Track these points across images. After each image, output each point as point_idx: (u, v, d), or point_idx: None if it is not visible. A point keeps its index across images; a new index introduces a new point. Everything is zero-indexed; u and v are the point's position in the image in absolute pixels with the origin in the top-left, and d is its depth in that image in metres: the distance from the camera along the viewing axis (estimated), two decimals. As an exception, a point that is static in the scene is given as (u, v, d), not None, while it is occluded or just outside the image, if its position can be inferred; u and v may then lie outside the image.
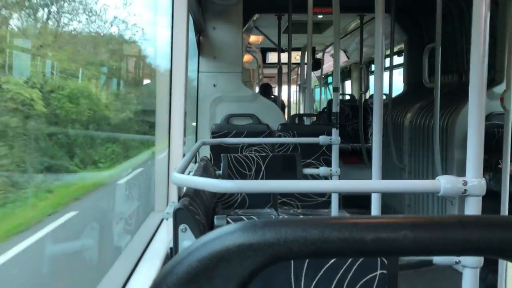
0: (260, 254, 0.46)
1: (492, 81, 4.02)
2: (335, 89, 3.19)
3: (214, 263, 0.46)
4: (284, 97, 9.80)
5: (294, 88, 11.67)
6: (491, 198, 2.70)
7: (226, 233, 0.47)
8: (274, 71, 7.45)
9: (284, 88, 6.76)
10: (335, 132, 3.13)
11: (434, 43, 3.82)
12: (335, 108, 3.14)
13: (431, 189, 1.58)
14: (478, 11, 1.49)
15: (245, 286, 0.46)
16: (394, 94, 6.00)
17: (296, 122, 5.13)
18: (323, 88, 12.31)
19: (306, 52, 5.07)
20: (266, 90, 9.09)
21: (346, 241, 0.47)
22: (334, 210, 3.16)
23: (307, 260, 1.58)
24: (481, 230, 0.47)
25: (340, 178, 3.26)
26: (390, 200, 5.41)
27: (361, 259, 1.60)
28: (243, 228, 0.47)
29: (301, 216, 1.67)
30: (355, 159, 6.39)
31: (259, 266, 0.46)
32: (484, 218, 0.49)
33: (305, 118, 5.46)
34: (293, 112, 10.23)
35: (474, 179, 1.54)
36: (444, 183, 1.53)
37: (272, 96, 9.13)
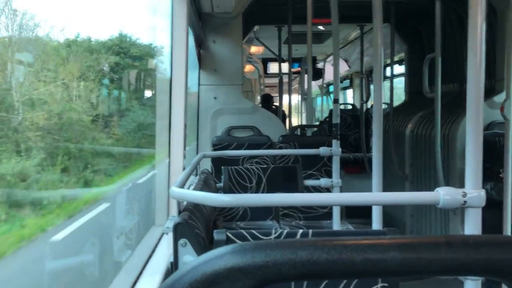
0: (250, 277, 0.46)
1: (492, 90, 4.02)
2: (335, 101, 3.20)
3: (205, 287, 0.46)
4: (286, 106, 9.86)
5: (295, 97, 11.68)
6: (493, 208, 2.68)
7: (217, 257, 0.47)
8: (275, 80, 7.47)
9: (286, 97, 6.84)
10: (335, 143, 3.13)
11: (434, 53, 3.82)
12: (336, 119, 3.14)
13: (430, 201, 1.58)
14: (474, 21, 1.49)
15: None
16: (397, 103, 6.01)
17: (298, 133, 5.14)
18: (324, 97, 12.34)
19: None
20: (267, 101, 9.11)
21: (335, 263, 0.47)
22: (335, 222, 3.15)
23: None
24: (468, 251, 0.47)
25: (342, 188, 3.25)
26: (393, 210, 5.39)
27: None
28: (233, 251, 0.47)
29: (301, 231, 1.67)
30: (356, 169, 6.38)
31: None
32: (471, 238, 0.49)
33: (306, 129, 5.46)
34: (294, 122, 10.23)
35: (473, 190, 1.53)
36: (443, 194, 1.53)
37: (273, 107, 9.15)
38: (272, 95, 9.52)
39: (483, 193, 1.53)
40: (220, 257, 0.47)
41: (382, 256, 0.47)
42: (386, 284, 1.61)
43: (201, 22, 4.68)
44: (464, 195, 1.52)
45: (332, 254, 0.47)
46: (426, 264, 0.47)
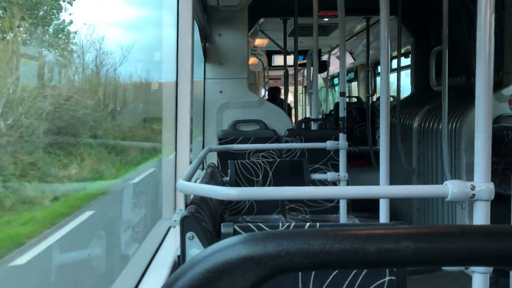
0: (262, 267, 0.46)
1: (500, 83, 3.99)
2: (342, 94, 3.18)
3: (217, 276, 0.46)
4: (291, 99, 9.82)
5: (301, 89, 11.67)
6: (501, 202, 2.67)
7: (228, 246, 0.47)
8: (280, 73, 7.48)
9: (291, 89, 6.88)
10: (342, 137, 3.12)
11: (441, 46, 3.80)
12: (342, 113, 3.13)
13: (438, 194, 1.57)
14: (483, 13, 1.48)
15: None
16: (402, 96, 5.97)
17: (303, 127, 5.13)
18: (329, 90, 12.29)
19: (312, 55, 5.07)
20: (274, 93, 9.09)
21: (347, 253, 0.47)
22: (342, 216, 3.14)
23: None
24: (482, 240, 0.47)
25: (348, 182, 3.25)
26: (399, 204, 5.38)
27: None
28: (244, 240, 0.47)
29: (308, 223, 1.66)
30: (362, 162, 6.37)
31: (261, 278, 0.46)
32: (486, 228, 0.49)
33: (312, 122, 5.45)
34: (300, 114, 10.20)
35: (482, 183, 1.52)
36: (451, 188, 1.52)
37: (280, 99, 9.14)
38: (279, 87, 9.49)
39: (491, 186, 1.52)
40: (232, 246, 0.47)
41: (396, 246, 0.47)
42: (393, 278, 1.61)
43: (207, 15, 4.67)
44: (473, 188, 1.51)
45: (345, 244, 0.47)
46: (440, 254, 0.47)
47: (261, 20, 6.38)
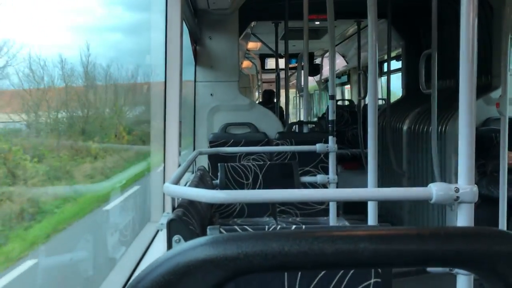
0: (222, 269, 0.47)
1: (489, 86, 4.02)
2: (331, 97, 3.20)
3: (178, 278, 0.47)
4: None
5: (294, 93, 11.71)
6: (490, 203, 2.68)
7: (190, 248, 0.48)
8: (273, 76, 7.49)
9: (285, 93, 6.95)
10: (331, 139, 3.13)
11: (431, 50, 3.82)
12: (332, 116, 3.15)
13: (423, 197, 1.58)
14: (466, 16, 1.49)
15: None
16: (393, 99, 6.00)
17: (296, 130, 5.14)
18: (323, 93, 12.34)
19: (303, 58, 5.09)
20: (270, 96, 9.09)
21: (306, 254, 0.48)
22: (332, 218, 3.15)
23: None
24: (437, 242, 0.48)
25: (339, 184, 3.26)
26: (391, 207, 5.40)
27: None
28: (205, 243, 0.48)
29: (294, 226, 1.67)
30: (354, 165, 6.38)
31: (221, 280, 0.47)
32: (443, 230, 0.50)
33: (303, 125, 5.46)
34: (293, 118, 10.21)
35: (466, 185, 1.53)
36: (436, 190, 1.53)
37: (273, 103, 9.14)
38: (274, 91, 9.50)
39: (475, 188, 1.53)
40: (193, 248, 0.47)
41: (354, 247, 0.48)
42: (379, 280, 1.62)
43: (197, 18, 4.67)
44: (457, 190, 1.52)
45: (303, 246, 0.47)
46: (396, 256, 0.48)
47: (253, 23, 6.39)
